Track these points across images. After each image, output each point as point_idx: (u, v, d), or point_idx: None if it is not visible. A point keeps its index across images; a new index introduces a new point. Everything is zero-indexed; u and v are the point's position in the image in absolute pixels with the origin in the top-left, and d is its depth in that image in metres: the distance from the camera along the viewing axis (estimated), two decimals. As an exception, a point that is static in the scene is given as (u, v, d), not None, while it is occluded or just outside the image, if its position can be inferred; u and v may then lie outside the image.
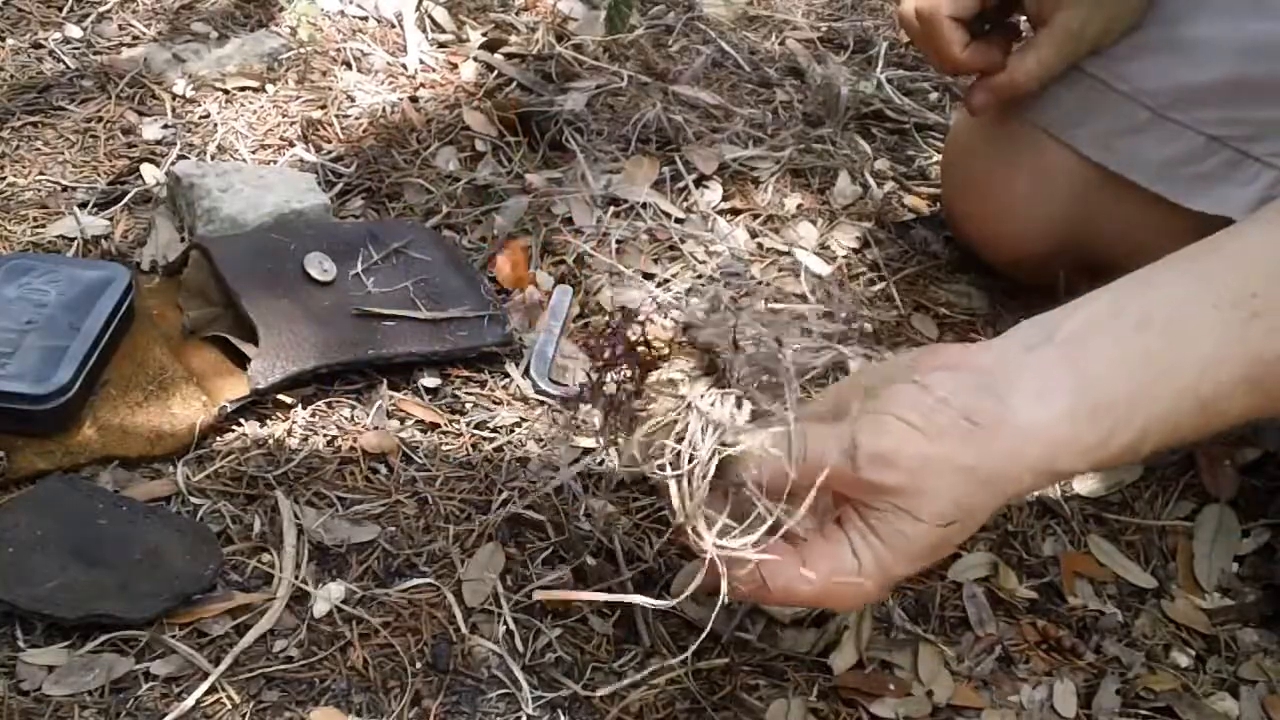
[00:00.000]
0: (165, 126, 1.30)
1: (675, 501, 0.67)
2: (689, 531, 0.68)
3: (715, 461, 0.67)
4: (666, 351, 0.68)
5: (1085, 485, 1.02)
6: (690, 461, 0.67)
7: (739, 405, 0.68)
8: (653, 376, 0.69)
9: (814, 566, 0.69)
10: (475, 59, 1.46)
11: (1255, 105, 1.01)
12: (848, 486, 0.69)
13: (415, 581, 0.89)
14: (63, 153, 1.26)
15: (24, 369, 0.94)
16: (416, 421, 1.02)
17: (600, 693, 0.83)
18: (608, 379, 0.71)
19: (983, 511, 0.71)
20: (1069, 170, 1.10)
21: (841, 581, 0.69)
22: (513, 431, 1.02)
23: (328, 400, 1.02)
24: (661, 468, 0.68)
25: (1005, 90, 1.07)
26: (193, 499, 0.93)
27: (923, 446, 0.67)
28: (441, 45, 1.49)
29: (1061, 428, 0.69)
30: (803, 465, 0.67)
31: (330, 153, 1.29)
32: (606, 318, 0.74)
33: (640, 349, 0.69)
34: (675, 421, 0.68)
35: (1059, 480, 0.78)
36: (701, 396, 0.67)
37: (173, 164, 1.24)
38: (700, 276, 1.18)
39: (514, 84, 1.42)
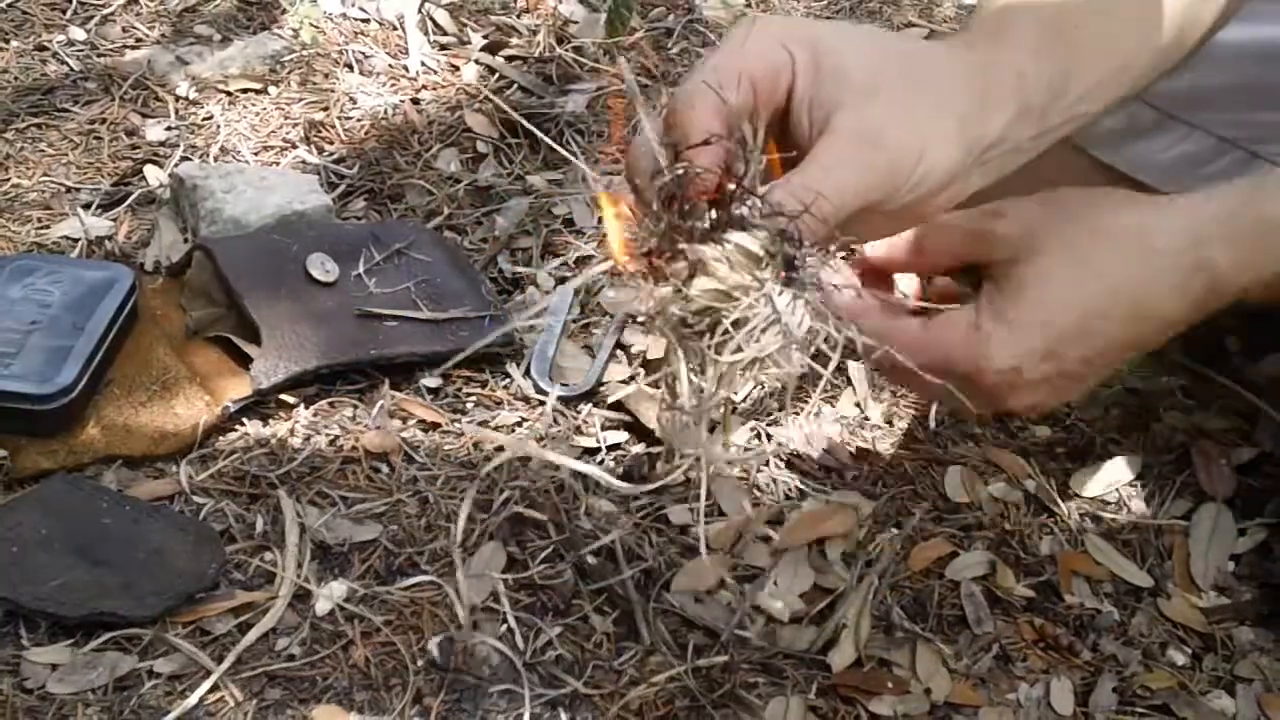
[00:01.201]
0: (168, 128, 1.31)
1: (683, 384, 0.60)
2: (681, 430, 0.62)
3: (755, 370, 0.60)
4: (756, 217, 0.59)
5: (1083, 485, 1.03)
6: (737, 353, 0.58)
7: (805, 315, 0.59)
8: (734, 238, 0.59)
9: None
10: (476, 61, 1.46)
11: (1267, 108, 1.00)
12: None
13: (417, 580, 0.89)
14: (66, 154, 1.26)
15: (28, 369, 0.94)
16: (418, 421, 1.02)
17: (601, 690, 0.83)
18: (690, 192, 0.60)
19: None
20: (1077, 171, 1.09)
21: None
22: (513, 431, 1.02)
23: (330, 400, 1.03)
24: (693, 340, 0.60)
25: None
26: (196, 498, 0.93)
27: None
28: (443, 47, 1.50)
29: None
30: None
31: (332, 154, 1.30)
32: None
33: (733, 189, 0.59)
34: (737, 299, 0.58)
35: None
36: (780, 292, 0.58)
37: (176, 165, 1.24)
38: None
39: (515, 86, 1.43)
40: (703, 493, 0.64)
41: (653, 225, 0.60)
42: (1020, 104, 0.69)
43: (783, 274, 0.59)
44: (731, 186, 0.59)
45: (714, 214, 0.59)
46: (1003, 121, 0.69)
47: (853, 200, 0.63)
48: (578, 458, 0.99)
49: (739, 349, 0.58)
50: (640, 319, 0.61)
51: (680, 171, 0.59)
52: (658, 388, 0.63)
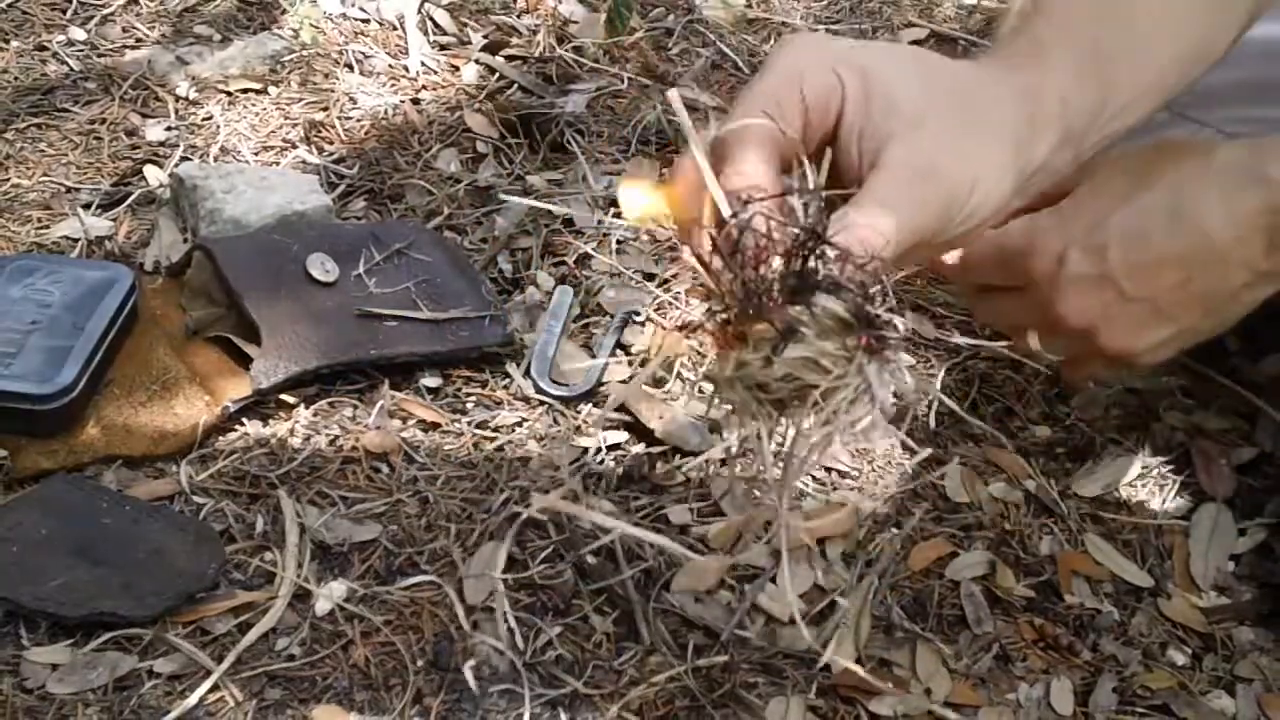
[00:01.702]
0: (168, 128, 1.31)
1: (766, 455, 0.56)
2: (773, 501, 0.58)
3: (842, 442, 0.56)
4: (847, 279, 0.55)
5: (1083, 485, 1.03)
6: (826, 426, 0.55)
7: (892, 382, 0.56)
8: (822, 301, 0.55)
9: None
10: (476, 61, 1.46)
11: (1274, 104, 1.00)
12: None
13: (417, 580, 0.89)
14: (67, 154, 1.26)
15: (28, 369, 0.94)
16: (418, 421, 1.02)
17: (601, 690, 0.84)
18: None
19: None
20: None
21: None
22: (513, 431, 1.02)
23: (330, 400, 1.03)
24: (772, 407, 0.56)
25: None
26: (195, 498, 0.93)
27: None
28: (443, 47, 1.50)
29: None
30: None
31: (332, 154, 1.30)
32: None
33: (804, 239, 0.55)
34: (827, 368, 0.54)
35: None
36: (869, 361, 0.55)
37: (176, 165, 1.24)
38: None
39: (515, 86, 1.43)
40: (785, 568, 0.61)
41: (728, 283, 0.56)
42: (1064, 130, 0.68)
43: (867, 339, 0.55)
44: (799, 233, 0.55)
45: (784, 266, 0.55)
46: (1047, 148, 0.68)
47: (910, 238, 0.60)
48: (577, 458, 0.99)
49: (828, 421, 0.55)
50: (710, 381, 0.57)
51: (754, 224, 0.55)
52: (734, 455, 0.60)
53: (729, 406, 0.57)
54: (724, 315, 0.56)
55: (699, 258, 0.57)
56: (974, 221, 0.65)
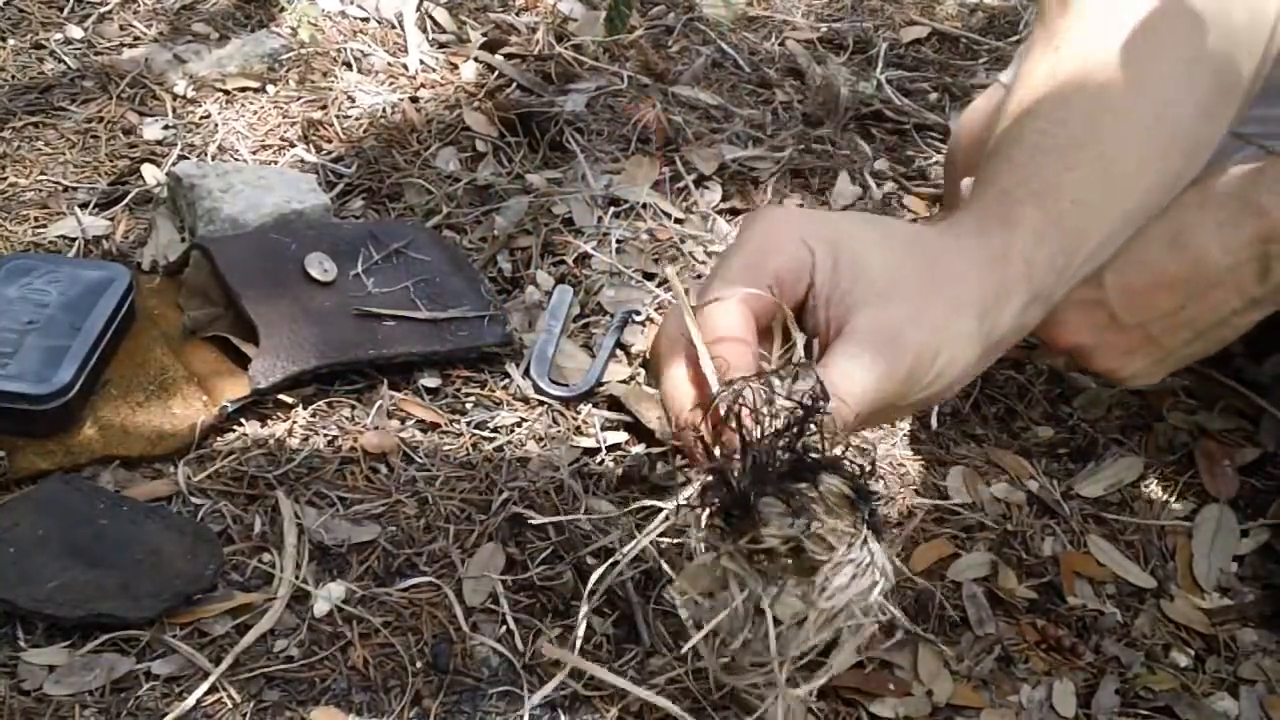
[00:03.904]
0: (166, 127, 1.30)
1: (770, 629, 0.58)
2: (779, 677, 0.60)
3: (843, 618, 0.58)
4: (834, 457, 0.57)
5: (1085, 485, 1.02)
6: (830, 600, 0.56)
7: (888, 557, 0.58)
8: (829, 481, 0.57)
9: None
10: (475, 59, 1.46)
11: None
12: None
13: (416, 581, 0.89)
14: (64, 153, 1.26)
15: (25, 369, 0.94)
16: (417, 421, 1.02)
17: (600, 692, 0.83)
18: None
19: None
20: None
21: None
22: (513, 431, 1.02)
23: (328, 400, 1.02)
24: (769, 581, 0.57)
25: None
26: (193, 499, 0.93)
27: None
28: (442, 46, 1.49)
29: None
30: None
31: (331, 153, 1.30)
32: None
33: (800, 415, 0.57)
34: (833, 545, 0.56)
35: None
36: (873, 537, 0.57)
37: (173, 164, 1.24)
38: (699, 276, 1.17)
39: (514, 84, 1.42)
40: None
41: (721, 459, 0.57)
42: (1031, 293, 0.69)
43: (868, 512, 0.57)
44: (795, 410, 0.57)
45: (778, 441, 0.57)
46: (1014, 311, 0.69)
47: (873, 405, 0.62)
48: (576, 459, 0.99)
49: (833, 596, 0.56)
50: (710, 550, 0.59)
51: (744, 399, 0.57)
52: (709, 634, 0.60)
53: (724, 576, 0.58)
54: (718, 491, 0.57)
55: (692, 436, 0.59)
56: (938, 387, 0.66)
